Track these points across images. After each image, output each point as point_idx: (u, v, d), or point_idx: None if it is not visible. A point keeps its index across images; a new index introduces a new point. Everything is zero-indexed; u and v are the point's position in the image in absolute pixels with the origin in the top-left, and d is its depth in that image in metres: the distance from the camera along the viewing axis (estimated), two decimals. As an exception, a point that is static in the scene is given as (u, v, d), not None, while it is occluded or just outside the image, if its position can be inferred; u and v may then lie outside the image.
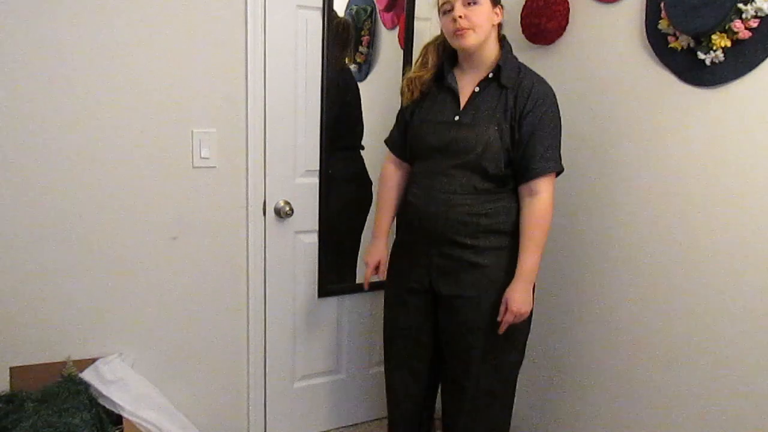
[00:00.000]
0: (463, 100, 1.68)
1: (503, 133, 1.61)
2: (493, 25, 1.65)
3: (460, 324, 1.71)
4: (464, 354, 1.72)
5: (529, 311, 1.65)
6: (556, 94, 1.64)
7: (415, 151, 1.77)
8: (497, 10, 1.65)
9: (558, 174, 1.65)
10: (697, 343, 1.60)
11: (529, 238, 1.62)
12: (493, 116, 1.62)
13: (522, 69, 1.67)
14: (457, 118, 1.67)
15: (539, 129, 1.59)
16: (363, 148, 2.27)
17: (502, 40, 1.70)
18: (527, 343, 1.79)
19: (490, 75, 1.65)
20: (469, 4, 1.60)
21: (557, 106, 1.64)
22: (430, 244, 1.71)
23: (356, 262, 2.35)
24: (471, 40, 1.62)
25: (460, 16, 1.59)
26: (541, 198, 1.61)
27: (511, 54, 1.70)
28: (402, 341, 1.86)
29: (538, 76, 1.66)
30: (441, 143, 1.68)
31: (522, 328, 1.71)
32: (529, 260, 1.62)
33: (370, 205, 2.28)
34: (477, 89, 1.67)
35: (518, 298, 1.61)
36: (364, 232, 2.32)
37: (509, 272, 1.65)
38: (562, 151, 1.64)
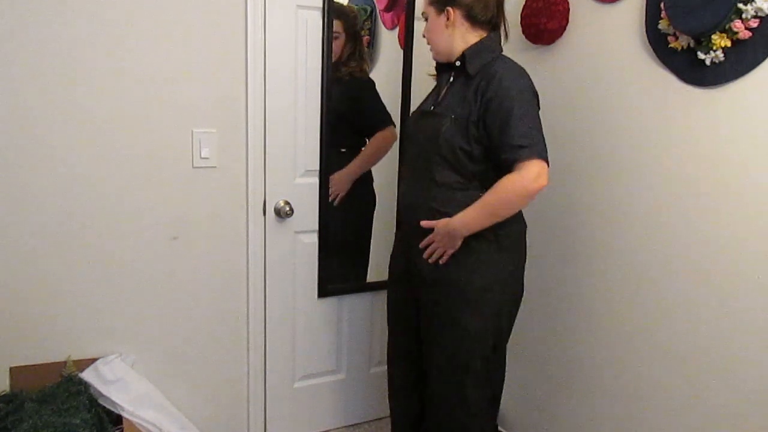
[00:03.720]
0: (443, 91, 1.71)
1: (460, 122, 1.58)
2: (448, 27, 1.65)
3: (427, 321, 1.73)
4: (428, 326, 1.73)
5: (446, 248, 1.60)
6: (555, 93, 1.64)
7: (404, 145, 1.83)
8: (448, 13, 1.64)
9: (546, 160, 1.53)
10: (696, 342, 1.60)
11: (482, 199, 1.56)
12: (454, 106, 1.62)
13: (497, 58, 1.64)
14: (432, 108, 1.70)
15: (507, 117, 1.52)
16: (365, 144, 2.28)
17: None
18: (520, 341, 1.78)
19: (457, 63, 1.66)
20: (425, 21, 1.70)
21: (531, 91, 1.59)
22: (410, 241, 1.74)
23: (359, 262, 2.36)
24: (433, 53, 1.73)
25: (423, 35, 1.72)
26: (513, 174, 1.51)
27: (489, 44, 1.65)
28: (396, 333, 1.89)
29: (512, 65, 1.62)
30: (411, 133, 1.74)
31: (482, 293, 1.64)
32: (466, 214, 1.57)
33: (374, 202, 2.28)
34: (451, 79, 1.69)
35: (442, 238, 1.60)
36: (374, 230, 2.33)
37: (477, 273, 1.63)
38: (560, 150, 1.63)
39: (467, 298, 1.63)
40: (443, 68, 1.73)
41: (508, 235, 1.65)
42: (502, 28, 1.71)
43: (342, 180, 2.19)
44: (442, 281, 1.66)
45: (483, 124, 1.56)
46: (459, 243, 1.60)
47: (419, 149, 1.70)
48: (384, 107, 2.23)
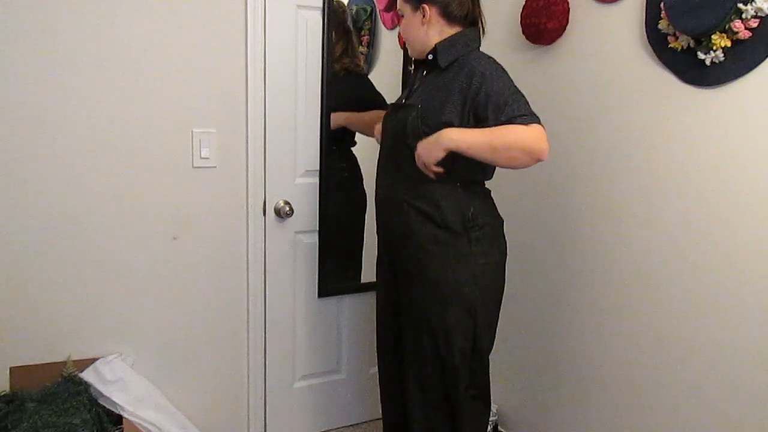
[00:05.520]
0: (416, 84, 1.72)
1: (428, 110, 1.58)
2: (424, 24, 1.65)
3: (402, 317, 1.74)
4: (406, 322, 1.73)
5: (426, 159, 1.54)
6: (555, 93, 1.63)
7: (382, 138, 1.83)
8: (423, 10, 1.63)
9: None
10: (695, 342, 1.60)
11: (488, 128, 1.50)
12: (423, 96, 1.63)
13: (473, 52, 1.63)
14: (403, 101, 1.71)
15: (501, 99, 1.51)
16: (355, 144, 2.27)
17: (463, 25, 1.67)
18: (516, 340, 1.77)
19: (429, 57, 1.65)
20: (400, 18, 1.72)
21: (506, 72, 1.58)
22: (386, 236, 1.75)
23: (355, 261, 2.35)
24: (410, 51, 1.74)
25: (399, 33, 1.75)
26: (522, 126, 1.47)
27: (462, 38, 1.64)
28: (382, 335, 1.89)
29: (488, 58, 1.61)
30: (385, 125, 1.75)
31: (455, 288, 1.61)
32: (464, 130, 1.51)
33: (365, 202, 2.28)
34: (425, 72, 1.70)
35: (423, 144, 1.55)
36: (366, 231, 2.32)
37: (447, 268, 1.61)
38: (559, 150, 1.62)
39: (441, 292, 1.62)
40: (420, 63, 1.75)
41: (480, 227, 1.63)
42: (480, 23, 1.70)
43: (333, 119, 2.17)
44: (417, 275, 1.66)
45: (473, 113, 1.55)
46: (439, 155, 1.52)
47: (390, 143, 1.71)
48: (384, 99, 2.24)
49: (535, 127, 1.49)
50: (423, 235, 1.63)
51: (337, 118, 2.17)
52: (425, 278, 1.64)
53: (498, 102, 1.50)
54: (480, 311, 1.66)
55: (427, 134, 1.58)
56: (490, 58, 1.61)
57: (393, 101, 1.86)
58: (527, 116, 1.49)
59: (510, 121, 1.49)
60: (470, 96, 1.54)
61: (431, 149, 1.53)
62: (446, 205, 1.61)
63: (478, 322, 1.66)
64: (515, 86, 1.56)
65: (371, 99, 2.23)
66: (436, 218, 1.61)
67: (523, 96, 1.55)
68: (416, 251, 1.64)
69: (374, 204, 1.81)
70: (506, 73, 1.58)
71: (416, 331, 1.69)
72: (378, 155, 1.80)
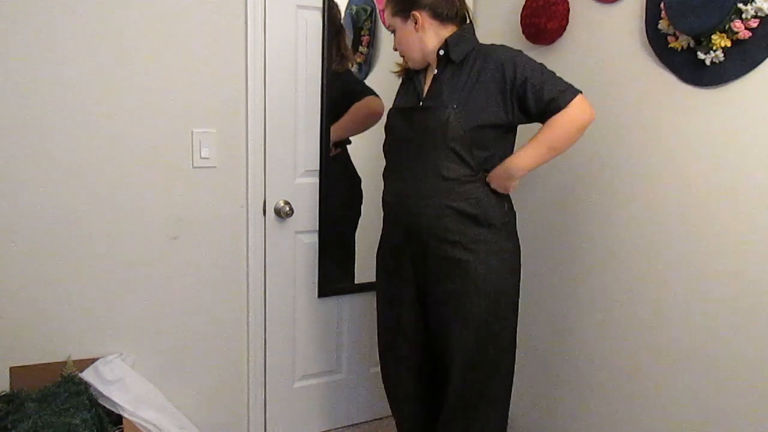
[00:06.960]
0: (427, 85, 1.71)
1: (464, 110, 1.58)
2: (418, 31, 1.65)
3: (445, 319, 1.69)
4: (442, 321, 1.70)
5: (505, 190, 1.64)
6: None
7: (388, 142, 1.78)
8: (414, 17, 1.64)
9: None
10: (696, 342, 1.60)
11: (537, 137, 1.57)
12: (451, 96, 1.61)
13: (480, 45, 1.65)
14: (420, 103, 1.69)
15: (536, 79, 1.54)
16: (350, 142, 2.27)
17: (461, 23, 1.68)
18: (522, 341, 1.78)
19: (441, 52, 1.65)
20: (393, 32, 1.72)
21: (525, 55, 1.62)
22: (410, 239, 1.70)
23: (353, 261, 2.35)
24: (409, 62, 1.75)
25: (395, 48, 1.74)
26: (564, 112, 1.54)
27: (466, 34, 1.66)
28: (394, 339, 1.84)
29: (498, 45, 1.64)
30: (406, 128, 1.70)
31: (497, 283, 1.64)
32: (524, 152, 1.58)
33: (360, 202, 2.28)
34: (436, 71, 1.68)
35: (497, 183, 1.62)
36: (358, 230, 2.33)
37: (493, 264, 1.62)
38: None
39: (486, 290, 1.62)
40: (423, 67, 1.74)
41: (511, 222, 1.69)
42: (467, 16, 1.70)
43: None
44: (458, 276, 1.63)
45: (516, 100, 1.57)
46: (513, 184, 1.62)
47: (418, 145, 1.65)
48: (359, 81, 2.21)
49: (574, 103, 1.53)
50: (466, 235, 1.62)
51: (332, 135, 2.17)
52: (468, 277, 1.62)
53: (534, 83, 1.54)
54: (516, 304, 1.72)
55: (473, 136, 1.58)
56: (504, 45, 1.64)
57: (393, 101, 1.84)
58: (566, 91, 1.55)
59: (553, 103, 1.53)
60: (508, 84, 1.56)
61: (506, 183, 1.62)
62: (487, 202, 1.63)
63: (517, 315, 1.73)
64: (538, 62, 1.59)
65: (345, 88, 2.20)
66: (479, 217, 1.62)
67: (547, 69, 1.58)
68: (458, 252, 1.62)
69: (383, 206, 1.79)
70: (521, 51, 1.62)
71: (456, 330, 1.65)
72: (390, 158, 1.77)
